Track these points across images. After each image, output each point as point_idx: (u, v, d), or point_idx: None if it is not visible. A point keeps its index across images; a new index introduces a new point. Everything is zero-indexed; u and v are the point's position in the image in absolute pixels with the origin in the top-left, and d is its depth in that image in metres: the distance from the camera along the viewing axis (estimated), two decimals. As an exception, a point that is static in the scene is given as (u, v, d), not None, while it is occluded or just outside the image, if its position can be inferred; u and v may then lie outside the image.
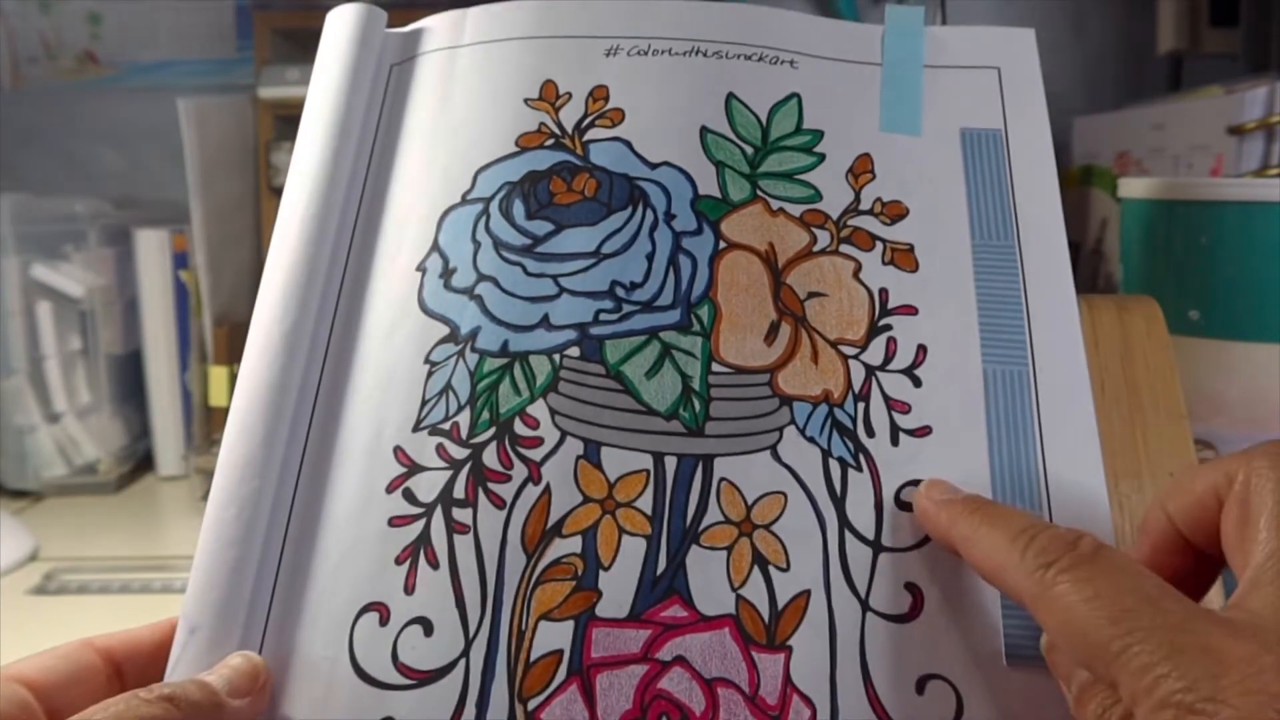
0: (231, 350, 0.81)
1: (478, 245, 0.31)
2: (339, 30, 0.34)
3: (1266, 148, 0.63)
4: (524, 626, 0.26)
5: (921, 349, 0.29)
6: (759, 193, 0.31)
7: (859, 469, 0.28)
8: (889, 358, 0.29)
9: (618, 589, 0.26)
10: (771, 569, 0.27)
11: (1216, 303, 0.48)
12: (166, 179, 0.89)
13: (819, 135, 0.33)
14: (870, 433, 0.28)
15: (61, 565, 0.65)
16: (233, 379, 0.82)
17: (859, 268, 0.30)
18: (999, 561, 0.23)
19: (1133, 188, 0.54)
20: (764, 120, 0.33)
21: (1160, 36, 0.88)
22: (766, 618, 0.26)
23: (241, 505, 0.27)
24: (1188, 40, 0.86)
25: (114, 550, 0.68)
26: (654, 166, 0.31)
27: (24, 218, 0.78)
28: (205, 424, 0.83)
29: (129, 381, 0.84)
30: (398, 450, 0.28)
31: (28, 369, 0.78)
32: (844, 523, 0.27)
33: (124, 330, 0.83)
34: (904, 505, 0.28)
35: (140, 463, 0.84)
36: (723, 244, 0.30)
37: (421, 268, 0.31)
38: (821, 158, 0.32)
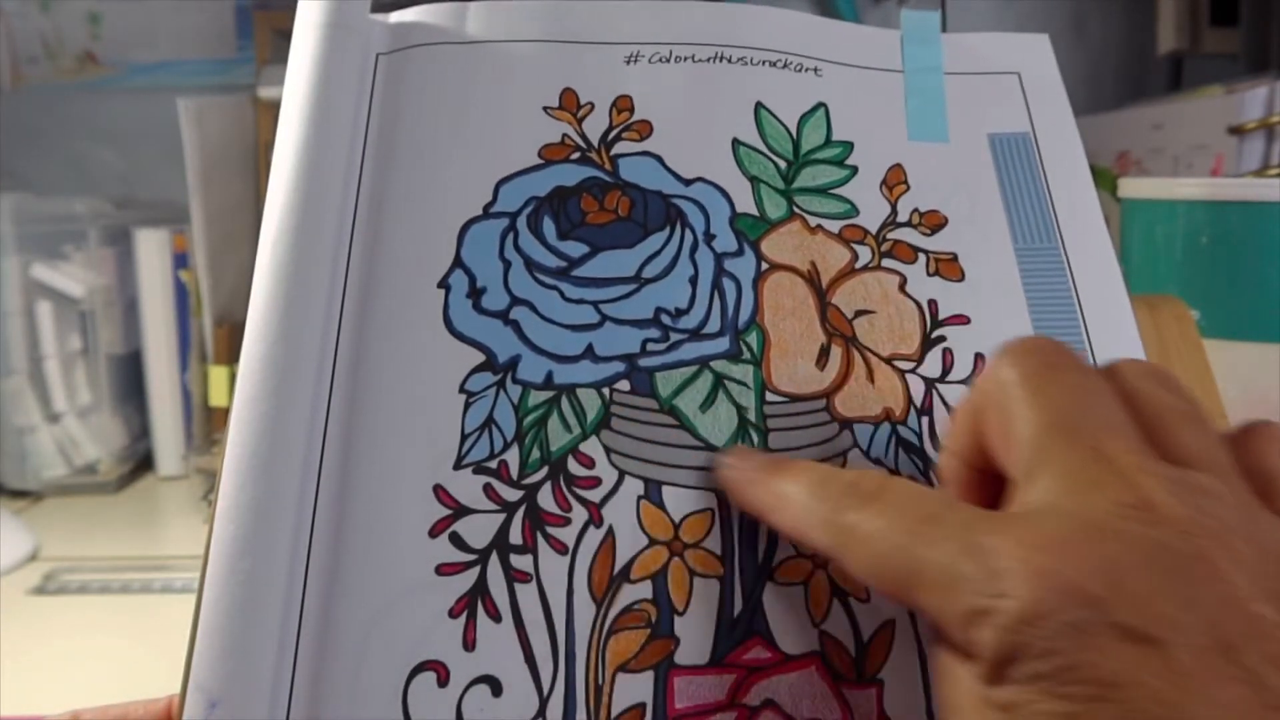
0: (232, 350, 0.81)
1: (507, 264, 0.29)
2: (313, 11, 0.32)
3: (1266, 148, 0.63)
4: (600, 680, 0.24)
5: (979, 358, 0.29)
6: (795, 209, 0.30)
7: (929, 487, 0.27)
8: (947, 369, 0.28)
9: (695, 634, 0.25)
10: (852, 601, 0.25)
11: (1216, 303, 0.48)
12: (166, 179, 0.89)
13: (849, 147, 0.32)
14: (938, 447, 0.27)
15: (61, 565, 0.65)
16: (233, 378, 0.82)
17: (904, 281, 0.30)
18: (802, 520, 0.22)
19: (1133, 188, 0.54)
20: (794, 132, 0.32)
21: (1160, 36, 0.88)
22: (853, 652, 0.25)
23: (258, 557, 0.24)
24: (1188, 40, 0.86)
25: (114, 550, 0.68)
26: (688, 183, 0.30)
27: (24, 218, 0.78)
28: (205, 424, 0.83)
29: (129, 381, 0.84)
30: (438, 489, 0.26)
31: (28, 369, 0.78)
32: None
33: (124, 330, 0.83)
34: None
35: (140, 463, 0.85)
36: (764, 265, 0.29)
37: (444, 284, 0.28)
38: (854, 171, 0.31)
